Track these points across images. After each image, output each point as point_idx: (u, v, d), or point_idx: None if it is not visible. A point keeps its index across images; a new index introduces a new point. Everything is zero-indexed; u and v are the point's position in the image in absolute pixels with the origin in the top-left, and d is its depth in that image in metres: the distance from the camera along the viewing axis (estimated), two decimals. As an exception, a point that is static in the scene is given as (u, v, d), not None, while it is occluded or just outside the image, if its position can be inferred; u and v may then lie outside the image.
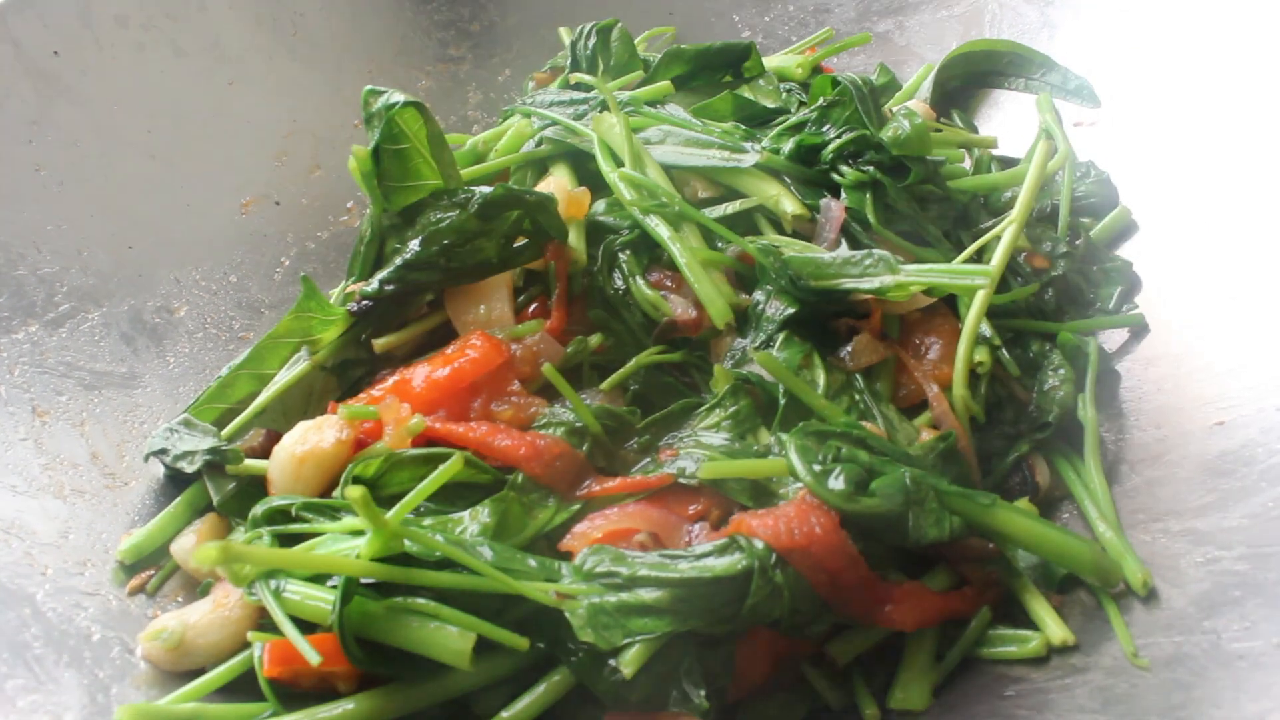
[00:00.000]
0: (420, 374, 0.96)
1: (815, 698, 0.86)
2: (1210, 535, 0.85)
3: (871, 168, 1.10)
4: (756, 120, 1.27)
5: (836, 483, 0.82)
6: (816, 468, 0.83)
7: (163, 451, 1.00)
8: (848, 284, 0.97)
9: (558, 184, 1.10)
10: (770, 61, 1.39)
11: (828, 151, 1.13)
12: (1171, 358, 1.04)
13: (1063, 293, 1.12)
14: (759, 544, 0.80)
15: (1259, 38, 1.12)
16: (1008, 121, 1.37)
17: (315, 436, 0.92)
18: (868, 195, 1.10)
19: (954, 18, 1.46)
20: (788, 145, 1.16)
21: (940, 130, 1.26)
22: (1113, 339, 1.11)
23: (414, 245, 1.00)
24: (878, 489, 0.83)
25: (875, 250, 0.97)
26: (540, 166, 1.23)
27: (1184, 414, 0.98)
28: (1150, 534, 0.90)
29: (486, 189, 1.00)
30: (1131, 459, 0.99)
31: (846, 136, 1.12)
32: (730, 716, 0.85)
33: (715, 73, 1.36)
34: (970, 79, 1.40)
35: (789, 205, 1.09)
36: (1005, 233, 1.00)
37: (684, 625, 0.78)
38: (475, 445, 0.91)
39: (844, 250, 1.01)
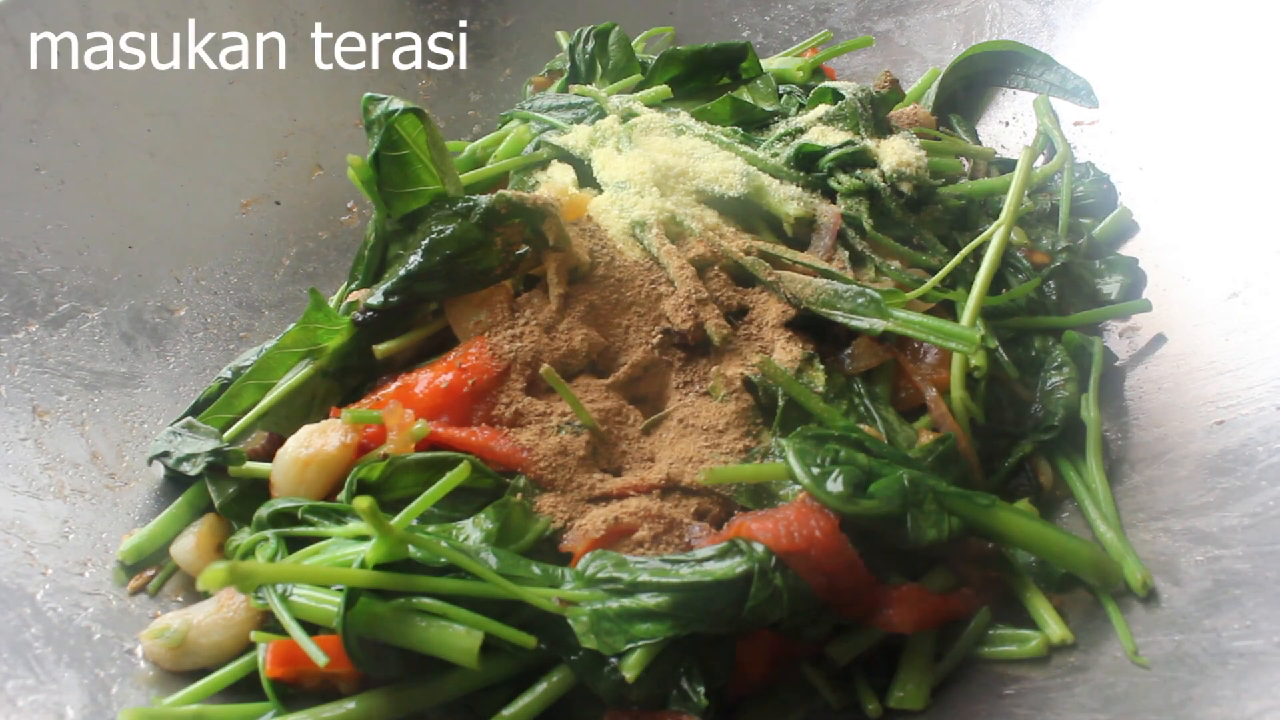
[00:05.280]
0: (423, 380, 0.96)
1: (815, 697, 0.87)
2: (1210, 534, 0.85)
3: (869, 173, 1.11)
4: (754, 123, 1.27)
5: (835, 485, 0.82)
6: (815, 470, 0.84)
7: (165, 454, 1.00)
8: (839, 318, 0.98)
9: (558, 187, 1.10)
10: (770, 64, 1.39)
11: (826, 160, 1.14)
12: (1172, 357, 1.04)
13: (1065, 284, 1.12)
14: (759, 547, 0.80)
15: (1258, 37, 1.12)
16: (1011, 124, 1.37)
17: (319, 440, 0.93)
18: (863, 203, 1.11)
19: (954, 17, 1.47)
20: (787, 150, 1.16)
21: (939, 140, 1.27)
22: (1113, 338, 1.11)
23: (417, 256, 1.00)
24: (876, 491, 0.83)
25: (868, 289, 0.98)
26: (540, 168, 1.23)
27: (1184, 413, 0.98)
28: (1150, 533, 0.90)
29: (488, 198, 1.00)
30: (1132, 458, 0.99)
31: (846, 150, 1.13)
32: (730, 715, 0.85)
33: (712, 74, 1.36)
34: (972, 79, 1.40)
35: (792, 207, 1.09)
36: (994, 237, 1.00)
37: (685, 629, 0.78)
38: (477, 449, 0.91)
39: (837, 284, 1.01)
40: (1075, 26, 1.34)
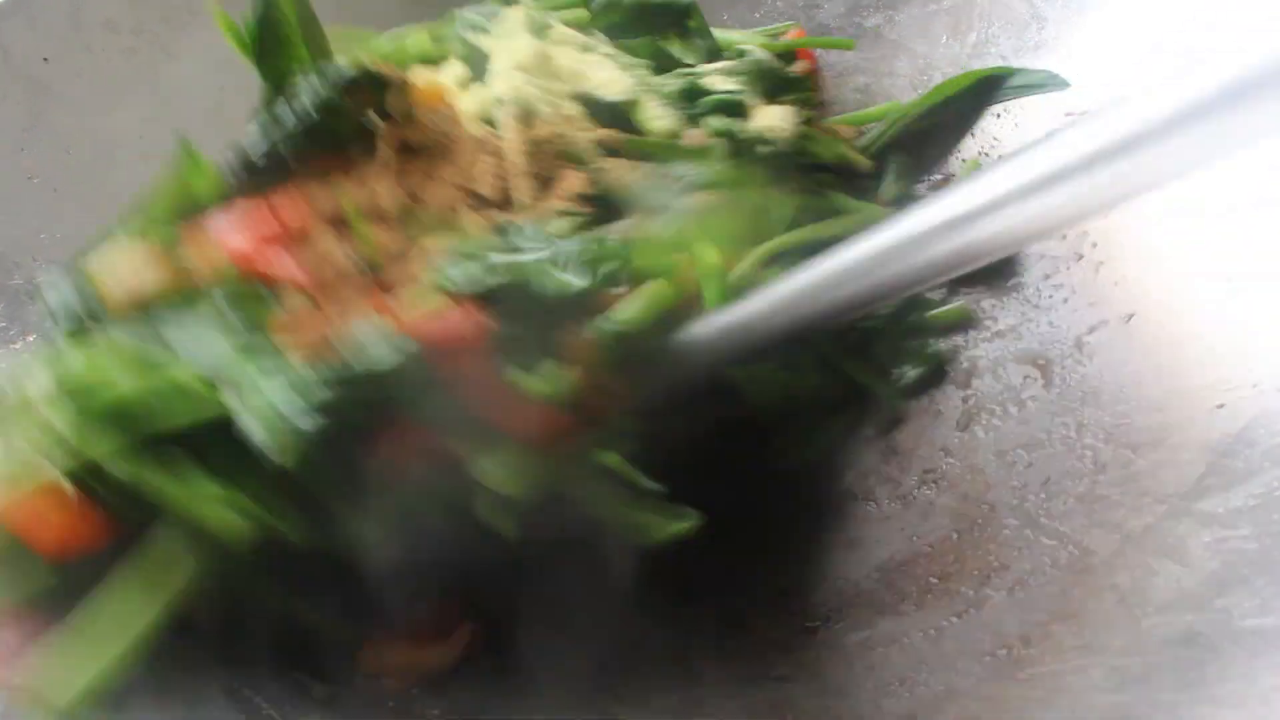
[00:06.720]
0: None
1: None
2: (1216, 516, 0.87)
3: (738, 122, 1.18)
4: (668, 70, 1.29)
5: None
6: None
7: None
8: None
9: (423, 74, 1.11)
10: (732, 35, 1.39)
11: (706, 99, 1.19)
12: (1170, 342, 1.06)
13: None
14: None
15: (1254, 32, 1.14)
16: (1003, 115, 1.38)
17: None
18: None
19: (943, 11, 1.47)
20: (677, 84, 1.21)
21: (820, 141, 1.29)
22: (1113, 323, 1.12)
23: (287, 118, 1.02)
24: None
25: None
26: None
27: (1185, 397, 0.99)
28: (1156, 516, 0.92)
29: (348, 68, 1.02)
30: (1134, 443, 1.00)
31: (726, 97, 1.19)
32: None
33: (654, 28, 1.33)
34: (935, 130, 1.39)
35: (659, 123, 1.14)
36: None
37: None
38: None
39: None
40: (1065, 20, 1.35)
